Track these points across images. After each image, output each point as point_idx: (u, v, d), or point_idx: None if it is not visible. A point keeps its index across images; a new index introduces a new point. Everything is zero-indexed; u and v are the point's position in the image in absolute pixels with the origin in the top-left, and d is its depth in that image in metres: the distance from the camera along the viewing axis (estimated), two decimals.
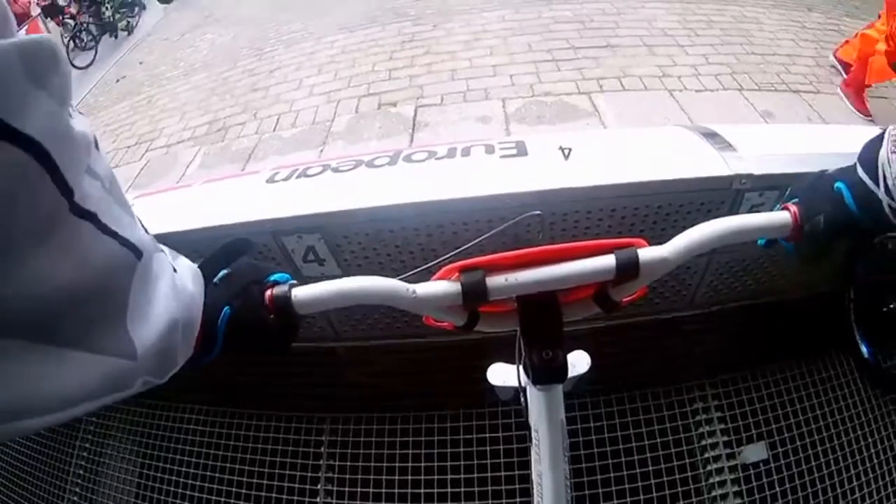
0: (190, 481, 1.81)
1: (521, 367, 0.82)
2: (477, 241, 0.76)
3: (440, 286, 0.70)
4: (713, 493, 1.59)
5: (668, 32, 6.13)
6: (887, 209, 0.67)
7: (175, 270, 0.60)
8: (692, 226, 0.69)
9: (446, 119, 5.15)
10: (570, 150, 1.28)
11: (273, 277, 0.72)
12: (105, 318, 0.46)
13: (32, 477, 1.98)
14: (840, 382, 1.68)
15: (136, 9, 12.37)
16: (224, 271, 0.71)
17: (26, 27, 10.30)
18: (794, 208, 0.73)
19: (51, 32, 10.82)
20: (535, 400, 0.81)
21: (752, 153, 1.26)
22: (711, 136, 1.34)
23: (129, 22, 11.70)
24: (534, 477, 0.86)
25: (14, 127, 0.33)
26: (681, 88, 5.04)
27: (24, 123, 0.34)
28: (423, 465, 1.68)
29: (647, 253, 0.69)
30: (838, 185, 0.71)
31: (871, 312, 1.57)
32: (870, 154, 0.69)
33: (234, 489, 1.78)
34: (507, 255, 0.68)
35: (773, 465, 1.60)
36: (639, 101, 4.94)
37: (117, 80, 9.12)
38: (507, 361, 1.05)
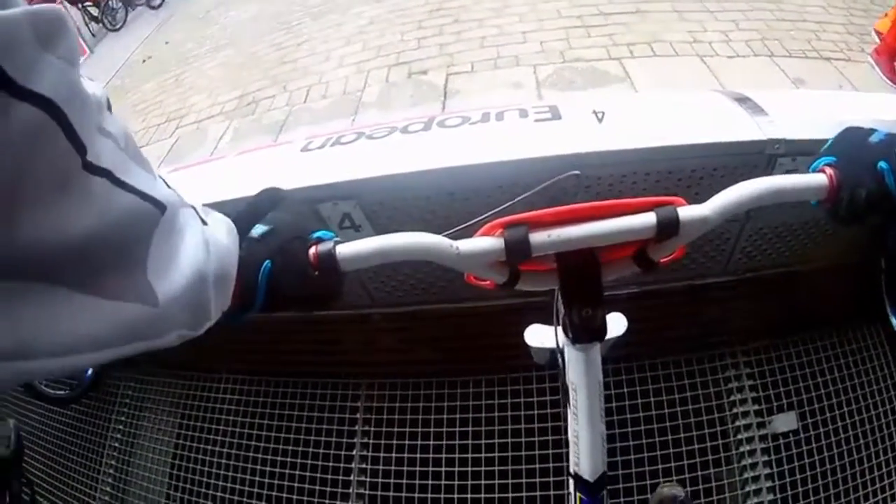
0: (225, 450, 1.86)
1: (558, 329, 0.83)
2: (517, 199, 0.76)
3: (484, 242, 0.70)
4: (743, 462, 1.59)
5: None
6: None
7: (206, 224, 0.61)
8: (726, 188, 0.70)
9: (477, 86, 5.12)
10: (603, 113, 1.27)
11: (317, 234, 0.73)
12: (123, 266, 0.47)
13: (71, 444, 2.04)
14: (871, 354, 1.66)
15: None
16: (265, 227, 0.71)
17: None
18: (830, 171, 0.72)
19: (75, 19, 10.96)
20: (574, 359, 0.82)
21: (785, 118, 1.24)
22: (744, 100, 1.32)
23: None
24: (570, 437, 0.87)
25: (29, 88, 0.35)
26: (712, 54, 4.95)
27: (38, 84, 0.35)
28: (457, 429, 1.70)
29: (686, 211, 0.69)
30: (881, 164, 0.70)
31: None
32: None
33: (269, 456, 1.81)
34: (550, 212, 0.69)
35: (802, 435, 1.59)
36: (670, 67, 4.86)
37: (143, 61, 9.16)
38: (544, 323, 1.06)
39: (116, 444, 1.98)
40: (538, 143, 1.22)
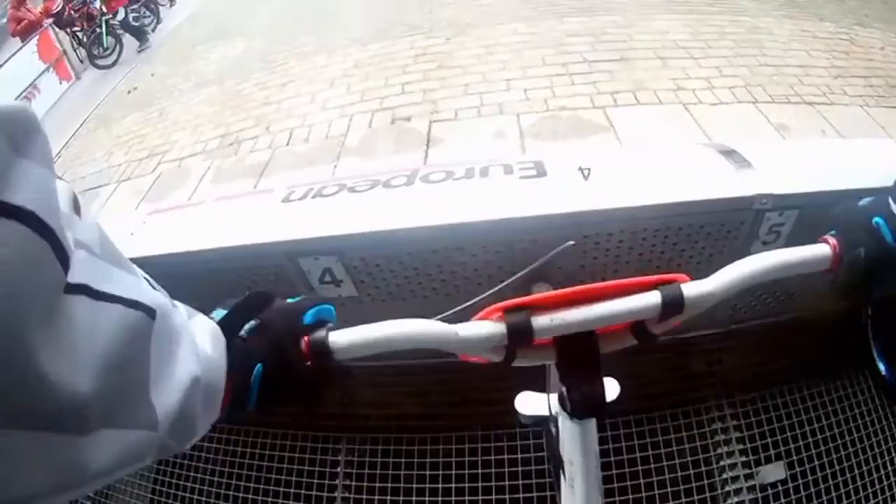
0: (203, 498, 1.80)
1: (550, 398, 0.81)
2: (516, 277, 0.75)
3: (484, 327, 0.68)
4: None
5: (680, 45, 6.11)
6: None
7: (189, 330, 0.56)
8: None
9: (461, 134, 5.15)
10: (589, 170, 1.27)
11: (308, 317, 0.69)
12: (129, 388, 0.44)
13: None
14: (859, 400, 1.66)
15: (152, 19, 12.51)
16: (253, 322, 0.67)
17: (37, 37, 10.46)
18: (832, 241, 0.72)
19: (62, 43, 11.01)
20: (570, 432, 0.80)
21: (771, 171, 1.24)
22: (729, 153, 1.32)
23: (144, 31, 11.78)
24: None
25: (7, 201, 0.32)
26: (695, 102, 5.02)
27: (17, 195, 0.32)
28: (440, 486, 1.66)
29: (691, 288, 0.68)
30: (876, 220, 0.70)
31: (889, 329, 1.55)
32: None
33: None
34: (553, 295, 0.67)
35: (790, 485, 1.57)
36: (654, 115, 4.92)
37: (129, 92, 9.19)
38: (529, 385, 1.03)
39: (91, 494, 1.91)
40: (524, 201, 1.21)
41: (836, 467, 1.58)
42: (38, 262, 0.34)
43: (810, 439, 1.61)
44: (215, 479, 1.81)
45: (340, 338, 0.67)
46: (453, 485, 1.65)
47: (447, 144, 5.03)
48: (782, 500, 1.56)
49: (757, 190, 1.20)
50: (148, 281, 0.50)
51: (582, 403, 0.75)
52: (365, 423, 1.76)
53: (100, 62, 10.67)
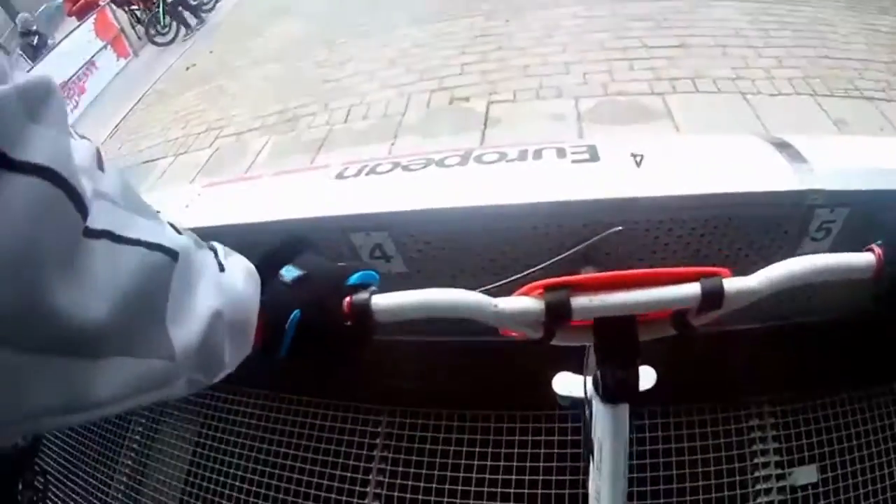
0: (242, 462, 1.86)
1: (587, 380, 0.82)
2: (559, 257, 0.76)
3: (524, 302, 0.70)
4: None
5: (741, 33, 5.94)
6: None
7: (223, 269, 0.61)
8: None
9: (518, 116, 5.11)
10: (641, 157, 1.27)
11: (353, 279, 0.71)
12: (146, 322, 0.48)
13: (89, 440, 2.06)
14: None
15: None
16: (298, 272, 0.69)
17: (95, 15, 10.70)
18: (878, 251, 0.71)
19: (120, 21, 11.25)
20: (602, 416, 0.81)
21: (825, 167, 1.23)
22: (784, 146, 1.31)
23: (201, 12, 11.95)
24: (591, 492, 0.86)
25: (26, 160, 0.37)
26: (754, 92, 4.89)
27: (34, 155, 0.38)
28: (475, 463, 1.68)
29: (732, 283, 0.69)
30: None
31: None
32: None
33: (285, 474, 1.81)
34: (594, 277, 0.68)
35: (821, 489, 1.55)
36: (712, 104, 4.81)
37: (187, 69, 9.35)
38: (571, 368, 1.04)
39: (135, 446, 1.99)
40: (575, 185, 1.22)
41: (869, 475, 1.55)
42: (55, 209, 0.39)
43: (845, 444, 1.58)
44: (255, 444, 1.87)
45: (382, 300, 0.69)
46: (488, 462, 1.67)
47: (505, 125, 5.00)
48: None
49: (809, 185, 1.19)
50: (173, 226, 0.55)
51: (615, 388, 0.76)
52: (408, 398, 1.78)
53: (158, 39, 10.87)
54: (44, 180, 0.38)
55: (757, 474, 1.59)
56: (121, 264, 0.45)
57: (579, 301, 0.68)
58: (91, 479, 1.98)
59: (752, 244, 1.29)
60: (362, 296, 0.69)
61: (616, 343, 0.74)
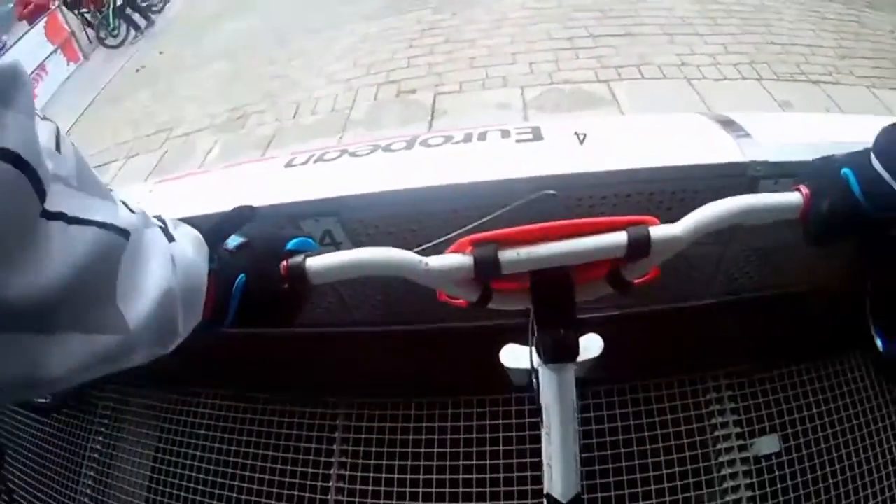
0: (204, 465, 1.84)
1: (533, 350, 0.82)
2: (491, 216, 0.76)
3: (453, 259, 0.71)
4: (724, 485, 1.59)
5: (687, 21, 6.10)
6: None
7: (173, 240, 0.62)
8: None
9: (465, 106, 5.18)
10: (585, 135, 1.28)
11: (291, 245, 0.73)
12: (96, 299, 0.49)
13: (51, 454, 2.02)
14: (855, 377, 1.66)
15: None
16: (240, 239, 0.71)
17: (45, 20, 10.46)
18: (805, 189, 0.72)
19: (70, 25, 11.01)
20: (547, 380, 0.81)
21: (768, 140, 1.24)
22: (728, 123, 1.32)
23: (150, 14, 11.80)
24: (544, 458, 0.86)
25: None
26: (699, 77, 5.02)
27: (4, 139, 0.39)
28: (435, 450, 1.68)
29: (658, 231, 0.70)
30: (844, 171, 0.70)
31: (888, 306, 1.55)
32: (889, 145, 0.69)
33: (246, 473, 1.80)
34: (520, 230, 0.69)
35: (785, 458, 1.58)
36: (657, 90, 4.93)
37: (137, 71, 9.22)
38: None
39: (96, 456, 1.95)
40: (519, 163, 1.23)
41: (832, 442, 1.58)
42: (18, 193, 0.41)
43: (805, 413, 1.62)
44: (215, 445, 1.85)
45: (315, 262, 0.70)
46: (448, 449, 1.67)
47: (451, 116, 5.08)
48: (776, 473, 1.57)
49: (752, 157, 1.20)
50: (126, 205, 0.56)
51: (553, 347, 0.77)
52: (363, 389, 1.78)
53: (108, 42, 10.82)
54: (9, 164, 0.39)
55: (719, 446, 1.62)
56: (73, 245, 0.46)
57: (507, 255, 0.69)
58: (56, 495, 1.96)
59: None
60: (297, 258, 0.71)
61: (552, 302, 0.75)
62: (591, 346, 0.91)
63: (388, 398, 1.76)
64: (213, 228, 0.71)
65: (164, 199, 1.49)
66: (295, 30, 8.30)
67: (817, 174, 0.74)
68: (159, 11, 12.23)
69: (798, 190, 0.73)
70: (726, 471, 1.60)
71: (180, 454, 1.88)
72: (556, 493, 0.86)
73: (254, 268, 0.70)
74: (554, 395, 0.81)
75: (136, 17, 11.26)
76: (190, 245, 0.65)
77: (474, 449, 1.66)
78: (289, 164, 1.43)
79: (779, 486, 1.55)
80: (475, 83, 5.52)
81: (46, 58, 10.13)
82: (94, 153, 6.44)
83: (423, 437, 1.70)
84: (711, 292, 1.55)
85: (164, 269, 0.57)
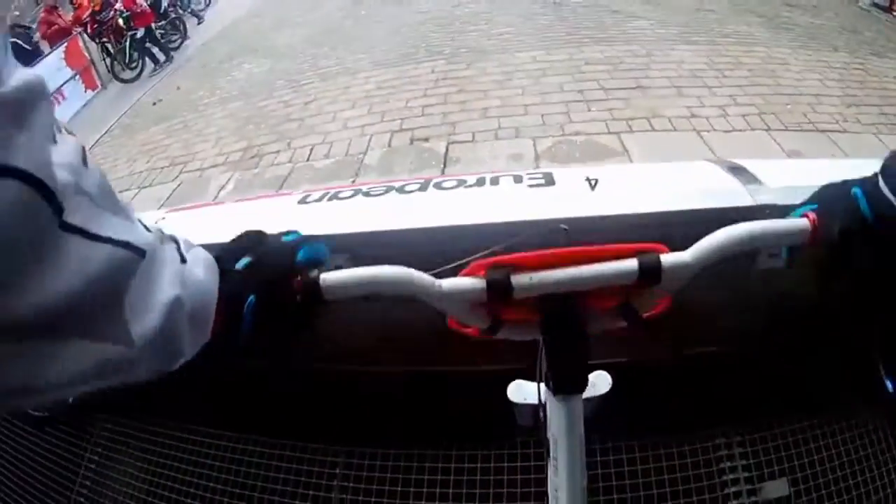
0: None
1: (541, 384, 0.82)
2: (502, 245, 0.77)
3: (466, 281, 0.71)
4: None
5: (696, 74, 6.19)
6: None
7: (185, 261, 0.62)
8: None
9: (477, 156, 5.23)
10: (596, 181, 1.29)
11: (300, 255, 0.74)
12: (104, 311, 0.50)
13: (42, 477, 1.98)
14: (868, 430, 1.63)
15: (178, 38, 12.75)
16: (247, 259, 0.71)
17: (66, 44, 10.68)
18: (812, 215, 0.72)
19: (91, 53, 11.21)
20: (555, 411, 0.81)
21: (777, 185, 1.26)
22: (737, 169, 1.34)
23: (169, 50, 12.00)
24: (549, 491, 0.86)
25: (9, 164, 0.40)
26: (709, 129, 5.07)
27: (17, 159, 0.40)
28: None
29: (668, 257, 0.70)
30: (854, 190, 0.70)
31: None
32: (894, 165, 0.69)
33: None
34: (533, 255, 0.70)
35: (794, 502, 1.55)
36: (667, 142, 4.97)
37: (154, 104, 9.36)
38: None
39: (88, 483, 1.92)
40: (531, 206, 1.24)
41: (842, 484, 1.55)
42: (30, 209, 0.42)
43: (818, 468, 1.58)
44: (209, 485, 1.81)
45: (331, 277, 0.71)
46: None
47: (463, 164, 5.11)
48: None
49: (761, 202, 1.21)
50: (143, 224, 0.57)
51: (565, 378, 0.77)
52: (364, 435, 1.75)
53: (123, 76, 10.95)
54: (19, 181, 0.40)
55: (727, 491, 1.59)
56: (88, 260, 0.47)
57: (520, 279, 0.69)
58: None
59: None
60: (312, 273, 0.71)
61: (563, 329, 0.75)
62: (600, 381, 0.91)
63: (390, 447, 1.72)
64: (225, 251, 0.72)
65: (176, 226, 1.50)
66: (309, 75, 8.45)
67: (829, 197, 0.74)
68: (177, 48, 12.45)
69: (806, 216, 0.72)
70: None
71: (173, 489, 1.83)
72: None
73: (263, 287, 0.70)
74: (562, 426, 0.81)
75: (156, 50, 11.45)
76: (201, 265, 0.66)
77: (477, 492, 1.63)
78: (302, 201, 1.45)
79: None
80: (488, 133, 5.58)
81: (64, 83, 10.25)
82: (109, 181, 6.50)
83: (424, 490, 1.66)
84: (717, 341, 1.53)
85: (174, 287, 0.58)
